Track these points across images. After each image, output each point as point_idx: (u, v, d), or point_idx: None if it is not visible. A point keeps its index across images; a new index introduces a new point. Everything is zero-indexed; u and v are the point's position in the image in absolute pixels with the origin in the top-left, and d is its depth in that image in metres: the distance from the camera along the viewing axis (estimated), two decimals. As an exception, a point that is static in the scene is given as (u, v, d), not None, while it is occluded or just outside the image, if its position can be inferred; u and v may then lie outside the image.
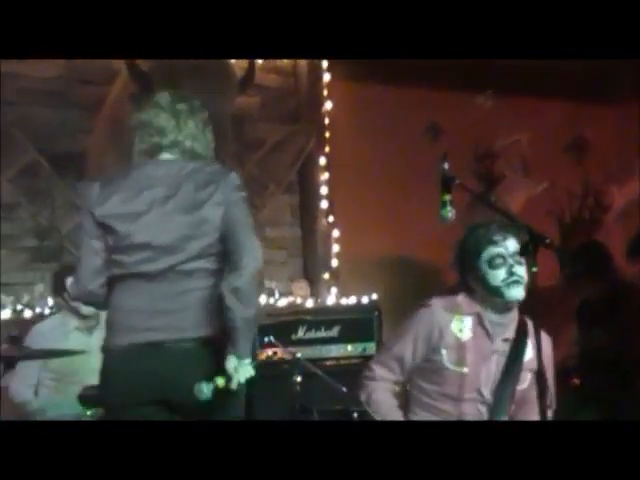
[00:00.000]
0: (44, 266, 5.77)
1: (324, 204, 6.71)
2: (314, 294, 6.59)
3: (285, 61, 6.69)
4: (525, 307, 3.30)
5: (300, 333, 5.72)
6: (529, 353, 3.43)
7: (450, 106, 6.76)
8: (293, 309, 6.41)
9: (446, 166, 3.31)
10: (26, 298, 5.74)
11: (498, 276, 3.35)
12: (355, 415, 3.90)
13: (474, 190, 3.61)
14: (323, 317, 5.98)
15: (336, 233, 6.71)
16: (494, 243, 3.41)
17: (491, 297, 3.43)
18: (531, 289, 3.21)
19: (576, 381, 5.64)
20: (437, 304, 3.48)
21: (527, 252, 3.05)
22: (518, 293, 3.37)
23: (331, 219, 6.73)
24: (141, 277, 3.15)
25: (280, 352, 5.36)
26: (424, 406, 3.50)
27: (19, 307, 5.67)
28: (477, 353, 3.41)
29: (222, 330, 3.10)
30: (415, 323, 3.48)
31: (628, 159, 7.06)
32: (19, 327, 5.24)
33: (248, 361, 3.08)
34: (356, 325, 5.84)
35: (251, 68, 6.07)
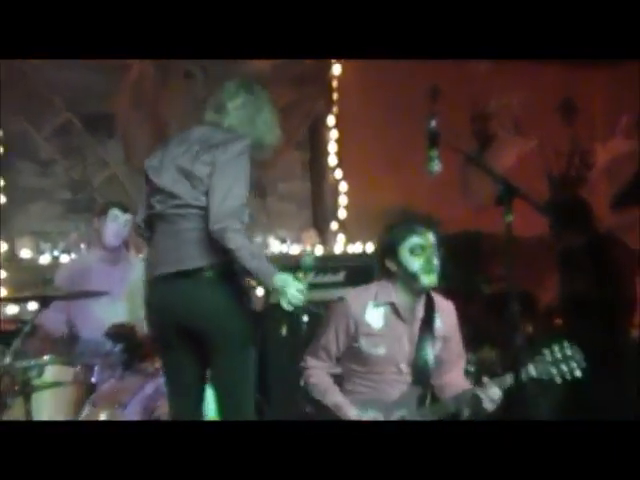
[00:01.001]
0: (77, 217, 5.86)
1: (332, 160, 6.79)
2: (323, 242, 6.69)
3: None
4: (507, 259, 3.48)
5: (309, 277, 5.81)
6: (437, 323, 3.72)
7: (448, 70, 6.79)
8: (305, 256, 6.52)
9: (433, 124, 3.46)
10: (62, 245, 5.83)
11: (416, 264, 3.60)
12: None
13: (461, 149, 3.71)
14: (331, 263, 6.18)
15: (343, 187, 6.80)
16: (417, 233, 3.66)
17: (408, 282, 3.67)
18: (508, 238, 3.36)
19: (559, 322, 5.81)
20: (351, 298, 3.74)
21: (502, 202, 3.23)
22: (432, 280, 3.64)
23: (339, 174, 6.81)
24: (157, 217, 3.48)
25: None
26: (355, 384, 3.70)
27: (56, 253, 5.77)
28: (391, 337, 3.68)
29: (212, 262, 3.33)
30: (334, 317, 3.75)
31: (613, 120, 7.11)
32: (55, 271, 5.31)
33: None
34: (360, 271, 5.82)
35: None
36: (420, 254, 3.64)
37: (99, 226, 4.98)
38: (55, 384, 4.60)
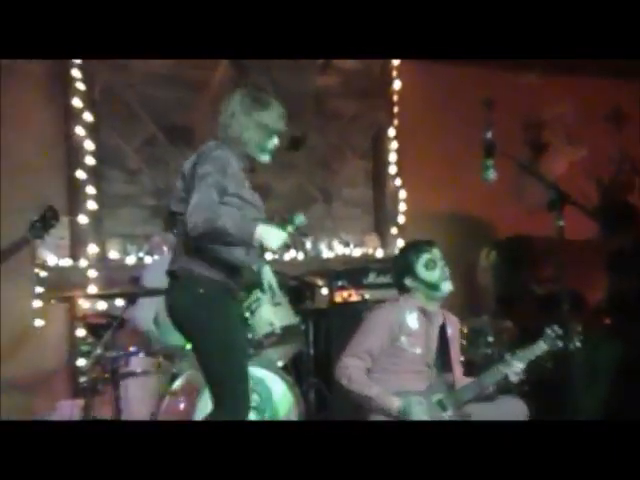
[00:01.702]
0: (161, 221, 5.84)
1: (393, 169, 6.84)
2: (383, 246, 6.77)
3: None
4: (558, 261, 3.57)
5: (370, 278, 5.93)
6: (448, 329, 4.08)
7: (503, 82, 6.82)
8: (365, 258, 6.61)
9: (489, 135, 3.58)
10: (146, 247, 5.92)
11: (434, 275, 3.94)
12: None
13: (515, 157, 3.79)
14: (390, 265, 6.21)
15: (402, 194, 6.86)
16: (426, 251, 3.98)
17: (429, 292, 3.98)
18: (560, 242, 3.44)
19: (607, 321, 5.80)
20: (391, 308, 4.06)
21: (554, 208, 3.35)
22: (449, 287, 4.00)
23: (398, 182, 6.85)
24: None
25: (353, 294, 5.58)
26: (382, 379, 3.89)
27: (141, 254, 5.89)
28: (425, 337, 3.98)
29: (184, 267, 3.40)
30: (380, 322, 4.02)
31: None
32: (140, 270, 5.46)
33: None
34: None
35: None
36: (434, 267, 3.98)
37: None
38: (140, 373, 4.73)
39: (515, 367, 3.88)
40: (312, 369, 5.65)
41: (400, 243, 6.71)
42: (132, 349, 4.82)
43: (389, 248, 6.72)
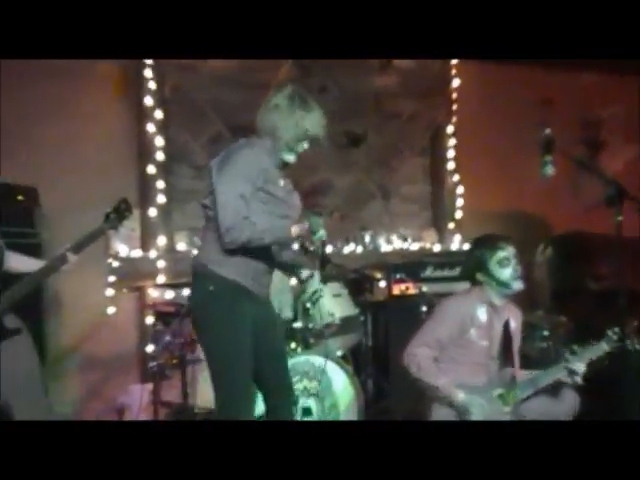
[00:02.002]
0: None
1: (451, 165, 6.86)
2: (441, 240, 6.81)
3: None
4: (615, 257, 3.55)
5: (428, 272, 5.93)
6: (512, 323, 4.05)
7: (560, 82, 6.77)
8: (423, 252, 6.62)
9: (548, 132, 3.58)
10: None
11: (506, 273, 3.91)
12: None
13: (573, 154, 3.77)
14: (448, 259, 6.15)
15: (460, 190, 6.88)
16: (502, 248, 3.94)
17: (499, 288, 3.96)
18: (618, 238, 3.42)
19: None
20: (463, 299, 4.03)
21: (612, 204, 3.34)
22: (520, 285, 3.96)
23: (456, 178, 6.88)
24: None
25: (411, 287, 5.60)
26: (454, 369, 3.89)
27: None
28: (493, 330, 3.98)
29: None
30: (451, 313, 3.99)
31: None
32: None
33: None
34: None
35: None
36: (507, 265, 3.96)
37: None
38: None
39: (576, 366, 3.87)
40: (370, 359, 5.71)
41: (457, 238, 6.78)
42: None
43: (446, 243, 6.76)
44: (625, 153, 7.13)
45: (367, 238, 6.49)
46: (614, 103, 7.10)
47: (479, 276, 4.01)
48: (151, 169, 5.80)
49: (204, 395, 4.68)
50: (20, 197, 5.07)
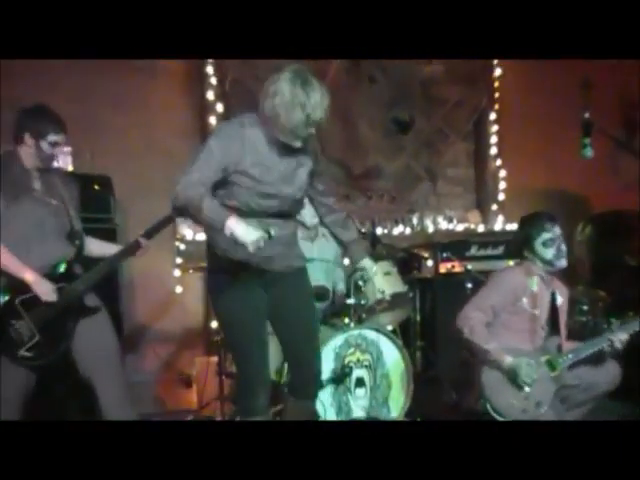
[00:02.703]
0: None
1: (494, 150, 6.80)
2: (484, 221, 6.78)
3: None
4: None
5: (473, 251, 5.98)
6: (558, 297, 4.10)
7: (598, 65, 6.64)
8: (468, 232, 6.63)
9: (587, 115, 3.58)
10: None
11: (550, 253, 3.95)
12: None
13: (613, 135, 3.75)
14: (491, 239, 6.23)
15: (502, 173, 6.82)
16: (546, 230, 3.95)
17: (543, 266, 4.00)
18: None
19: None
20: (517, 270, 4.09)
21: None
22: (564, 264, 4.03)
23: (499, 162, 6.82)
24: None
25: (457, 265, 5.61)
26: (503, 335, 3.96)
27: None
28: (542, 300, 4.03)
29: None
30: (506, 282, 4.09)
31: None
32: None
33: None
34: None
35: None
36: (551, 245, 4.00)
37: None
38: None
39: (620, 336, 3.96)
40: (418, 333, 5.73)
41: (500, 219, 6.73)
42: None
43: (490, 223, 6.74)
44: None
45: (415, 220, 6.51)
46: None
47: (526, 253, 4.06)
48: (212, 158, 5.85)
49: None
50: (96, 186, 5.14)
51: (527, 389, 3.86)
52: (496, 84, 6.81)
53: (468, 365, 4.10)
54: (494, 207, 6.80)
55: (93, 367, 3.74)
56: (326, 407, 4.29)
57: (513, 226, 6.50)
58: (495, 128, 6.81)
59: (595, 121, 3.73)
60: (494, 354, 3.86)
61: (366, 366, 4.53)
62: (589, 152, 3.71)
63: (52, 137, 3.66)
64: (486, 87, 6.81)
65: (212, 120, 5.83)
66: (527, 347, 3.98)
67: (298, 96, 3.06)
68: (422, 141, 6.61)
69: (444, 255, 5.72)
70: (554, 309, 4.12)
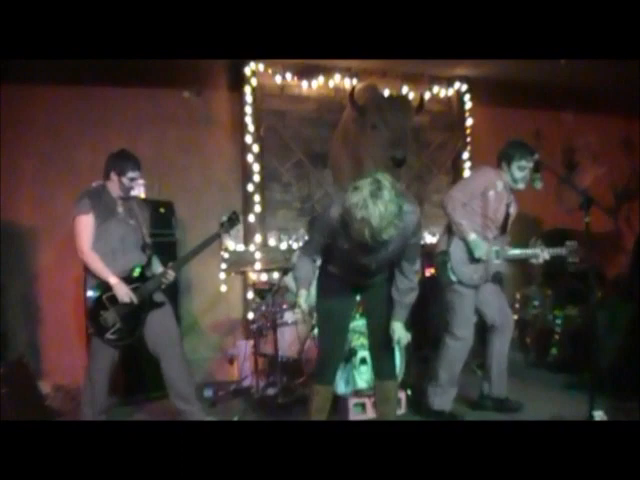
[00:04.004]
0: (304, 219, 5.99)
1: None
2: None
3: (442, 94, 6.71)
4: (586, 247, 3.60)
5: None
6: (512, 206, 4.20)
7: (547, 118, 6.73)
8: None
9: (537, 156, 3.67)
10: (294, 236, 6.02)
11: (519, 175, 4.09)
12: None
13: (556, 172, 3.84)
14: None
15: None
16: (526, 159, 4.02)
17: (510, 182, 4.05)
18: (587, 233, 3.47)
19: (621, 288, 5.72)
20: (492, 171, 4.17)
21: (585, 208, 3.42)
22: (523, 187, 4.10)
23: None
24: None
25: (433, 271, 5.63)
26: (472, 217, 4.07)
27: (290, 242, 5.98)
28: (502, 201, 4.14)
29: None
30: (483, 174, 4.15)
31: None
32: (291, 253, 5.53)
33: None
34: None
35: (421, 100, 6.15)
36: (523, 170, 4.06)
37: None
38: (291, 323, 4.85)
39: (545, 256, 4.16)
40: (410, 322, 5.68)
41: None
42: (285, 306, 4.92)
43: None
44: (594, 171, 6.97)
45: None
46: (585, 134, 7.01)
47: (503, 165, 4.13)
48: (250, 187, 5.86)
49: (287, 350, 4.78)
50: (162, 209, 5.25)
51: (478, 264, 4.06)
52: (469, 131, 6.80)
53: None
54: (467, 225, 6.73)
55: (160, 347, 3.84)
56: (337, 380, 4.13)
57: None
58: (468, 164, 6.78)
59: (544, 161, 3.79)
60: (464, 228, 4.02)
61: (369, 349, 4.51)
62: (539, 184, 3.80)
63: (130, 174, 3.79)
64: (461, 133, 6.79)
65: (249, 158, 5.84)
66: (487, 233, 4.12)
67: (364, 221, 2.71)
68: (413, 174, 6.59)
69: (429, 262, 5.67)
70: (507, 214, 4.20)
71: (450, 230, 4.19)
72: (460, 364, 4.21)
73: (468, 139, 6.80)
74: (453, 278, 4.11)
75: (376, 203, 2.70)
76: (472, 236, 4.02)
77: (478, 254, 4.02)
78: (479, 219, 4.11)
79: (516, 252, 4.19)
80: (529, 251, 4.19)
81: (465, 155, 6.79)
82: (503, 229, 4.22)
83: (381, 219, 2.69)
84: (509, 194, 4.17)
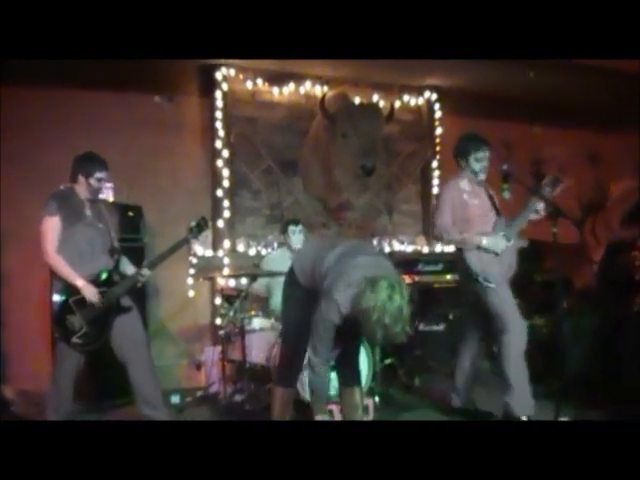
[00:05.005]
0: (273, 226, 6.00)
1: (436, 190, 6.78)
2: (428, 244, 6.73)
3: (412, 103, 6.74)
4: (554, 257, 3.65)
5: (419, 267, 5.99)
6: (490, 191, 4.14)
7: (517, 131, 6.80)
8: (416, 253, 6.59)
9: (506, 167, 3.70)
10: (263, 243, 6.00)
11: (478, 166, 4.10)
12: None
13: (524, 183, 3.88)
14: (433, 258, 6.27)
15: None
16: (481, 150, 4.08)
17: (471, 175, 4.07)
18: (555, 243, 3.53)
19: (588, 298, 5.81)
20: (451, 181, 4.19)
21: (551, 219, 3.46)
22: (484, 177, 4.12)
23: None
24: None
25: (407, 277, 5.63)
26: (468, 225, 4.02)
27: (259, 248, 5.96)
28: (479, 194, 4.17)
29: None
30: (448, 191, 4.14)
31: (623, 166, 6.97)
32: (259, 259, 5.48)
33: None
34: (453, 263, 5.96)
35: (391, 109, 6.21)
36: (480, 161, 4.09)
37: (286, 236, 5.21)
38: (259, 329, 4.81)
39: (539, 206, 4.08)
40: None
41: (440, 244, 6.67)
42: (253, 312, 4.94)
43: (432, 246, 6.70)
44: (561, 184, 7.11)
45: (375, 242, 6.44)
46: (553, 146, 7.09)
47: (461, 163, 4.17)
48: (220, 192, 5.85)
49: (255, 356, 4.73)
50: (131, 213, 5.21)
51: (498, 258, 4.02)
52: (438, 140, 6.83)
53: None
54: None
55: (127, 352, 3.78)
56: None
57: (450, 248, 6.54)
58: (437, 173, 6.82)
59: (512, 172, 3.84)
60: (470, 240, 4.01)
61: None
62: (507, 194, 3.84)
63: (98, 174, 3.76)
64: (431, 142, 6.83)
65: (219, 163, 5.84)
66: (487, 229, 4.08)
67: (379, 321, 2.72)
68: (383, 183, 6.61)
69: (406, 269, 5.71)
70: (491, 198, 4.20)
71: (456, 245, 4.19)
72: (523, 359, 4.00)
73: (438, 148, 6.83)
74: (491, 284, 4.03)
75: (393, 306, 2.72)
76: (483, 241, 4.00)
77: (500, 249, 4.02)
78: (475, 221, 4.10)
79: (518, 223, 4.15)
80: (527, 212, 4.15)
81: (434, 164, 6.83)
82: (497, 211, 4.22)
83: (396, 321, 2.72)
84: (478, 183, 4.17)
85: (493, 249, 4.00)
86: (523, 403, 3.90)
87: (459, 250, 4.14)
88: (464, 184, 4.13)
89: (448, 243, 4.11)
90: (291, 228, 5.21)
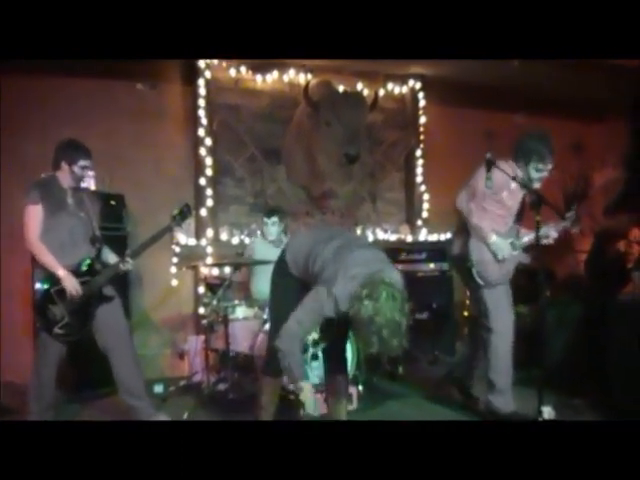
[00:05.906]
0: (257, 214, 5.96)
1: (420, 178, 6.85)
2: (412, 233, 6.77)
3: (397, 92, 6.75)
4: (537, 246, 3.66)
5: (403, 255, 6.07)
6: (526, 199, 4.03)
7: (499, 119, 6.82)
8: (399, 242, 6.63)
9: (489, 155, 3.67)
10: (246, 231, 5.98)
11: (536, 176, 3.93)
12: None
13: (507, 172, 3.85)
14: (417, 247, 6.35)
15: (426, 196, 6.86)
16: (544, 162, 3.91)
17: (525, 180, 3.90)
18: (537, 232, 3.55)
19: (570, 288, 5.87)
20: (506, 168, 3.84)
21: (534, 207, 3.45)
22: (538, 186, 3.91)
23: (423, 187, 6.85)
24: None
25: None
26: (484, 217, 3.95)
27: (242, 237, 5.96)
28: (516, 197, 4.00)
29: None
30: (495, 177, 3.75)
31: (606, 156, 7.04)
32: (243, 248, 5.53)
33: None
34: (436, 252, 6.15)
35: (375, 98, 6.23)
36: (540, 171, 3.95)
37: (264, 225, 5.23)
38: (242, 318, 4.82)
39: (552, 233, 4.02)
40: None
41: (424, 232, 6.76)
42: (237, 301, 4.95)
43: (416, 235, 6.75)
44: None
45: (359, 231, 6.51)
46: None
47: (519, 163, 3.99)
48: (202, 181, 5.84)
49: (239, 345, 4.75)
50: (113, 202, 5.19)
51: (501, 262, 3.97)
52: (422, 129, 6.85)
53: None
54: (419, 222, 6.82)
55: (109, 342, 3.79)
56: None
57: (434, 237, 6.65)
58: (421, 162, 6.84)
59: (495, 160, 3.83)
60: (484, 231, 3.94)
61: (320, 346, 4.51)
62: (490, 184, 3.81)
63: (82, 162, 3.73)
64: (414, 131, 6.84)
65: (202, 151, 5.82)
66: (500, 228, 4.01)
67: (376, 333, 2.67)
68: (366, 171, 6.62)
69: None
70: (524, 205, 4.09)
71: (463, 230, 4.10)
72: (509, 359, 4.03)
73: (421, 137, 6.85)
74: (481, 282, 4.02)
75: (392, 321, 2.67)
76: (493, 238, 3.94)
77: (501, 255, 3.96)
78: (492, 217, 4.01)
79: (528, 239, 4.07)
80: (540, 233, 3.87)
81: (418, 152, 6.84)
82: (519, 216, 4.13)
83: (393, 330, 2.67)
84: (523, 188, 3.98)
85: (496, 251, 3.96)
86: (505, 401, 4.01)
87: (464, 238, 4.09)
88: (512, 184, 3.92)
89: (463, 218, 4.04)
90: (265, 220, 5.24)
